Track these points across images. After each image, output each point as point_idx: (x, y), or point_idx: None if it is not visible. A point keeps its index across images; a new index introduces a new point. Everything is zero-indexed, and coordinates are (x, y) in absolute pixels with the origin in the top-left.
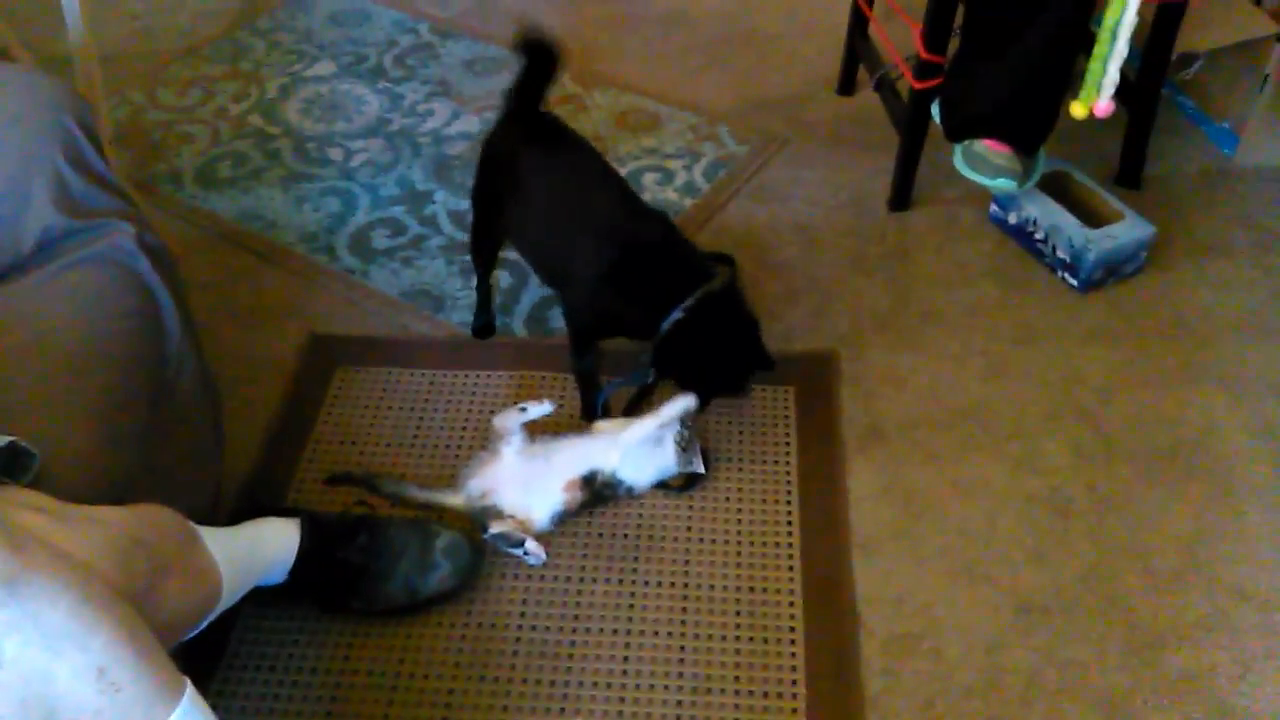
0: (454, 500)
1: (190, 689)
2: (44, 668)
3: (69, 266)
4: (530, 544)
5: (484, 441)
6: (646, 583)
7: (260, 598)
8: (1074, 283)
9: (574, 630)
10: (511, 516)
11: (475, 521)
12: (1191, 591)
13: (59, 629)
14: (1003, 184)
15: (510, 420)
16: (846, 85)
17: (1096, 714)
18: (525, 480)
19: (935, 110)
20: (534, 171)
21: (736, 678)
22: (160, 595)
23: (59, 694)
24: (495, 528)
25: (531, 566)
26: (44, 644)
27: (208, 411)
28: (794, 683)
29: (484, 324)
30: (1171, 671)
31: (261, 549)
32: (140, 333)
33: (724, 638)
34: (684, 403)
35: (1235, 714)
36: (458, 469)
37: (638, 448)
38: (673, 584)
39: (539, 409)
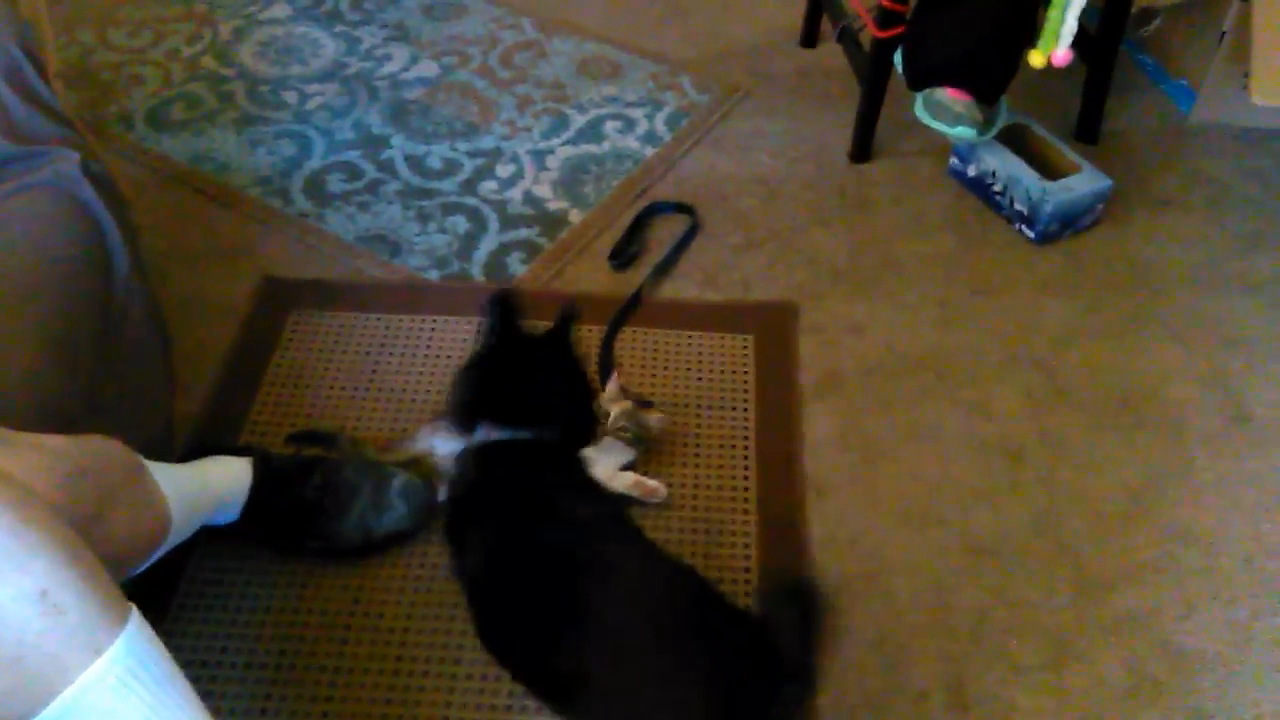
0: (415, 450)
1: (136, 615)
2: None
3: (11, 193)
4: None
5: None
6: None
7: (212, 537)
8: (1031, 234)
9: None
10: None
11: (434, 471)
12: (1138, 535)
13: None
14: (962, 132)
15: None
16: (809, 37)
17: (1044, 651)
18: None
19: (898, 60)
20: None
21: None
22: (107, 525)
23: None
24: (444, 492)
25: None
26: None
27: (158, 347)
28: None
29: None
30: (1118, 611)
31: (212, 485)
32: (86, 260)
33: None
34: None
35: (1179, 652)
36: (413, 414)
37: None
38: None
39: None
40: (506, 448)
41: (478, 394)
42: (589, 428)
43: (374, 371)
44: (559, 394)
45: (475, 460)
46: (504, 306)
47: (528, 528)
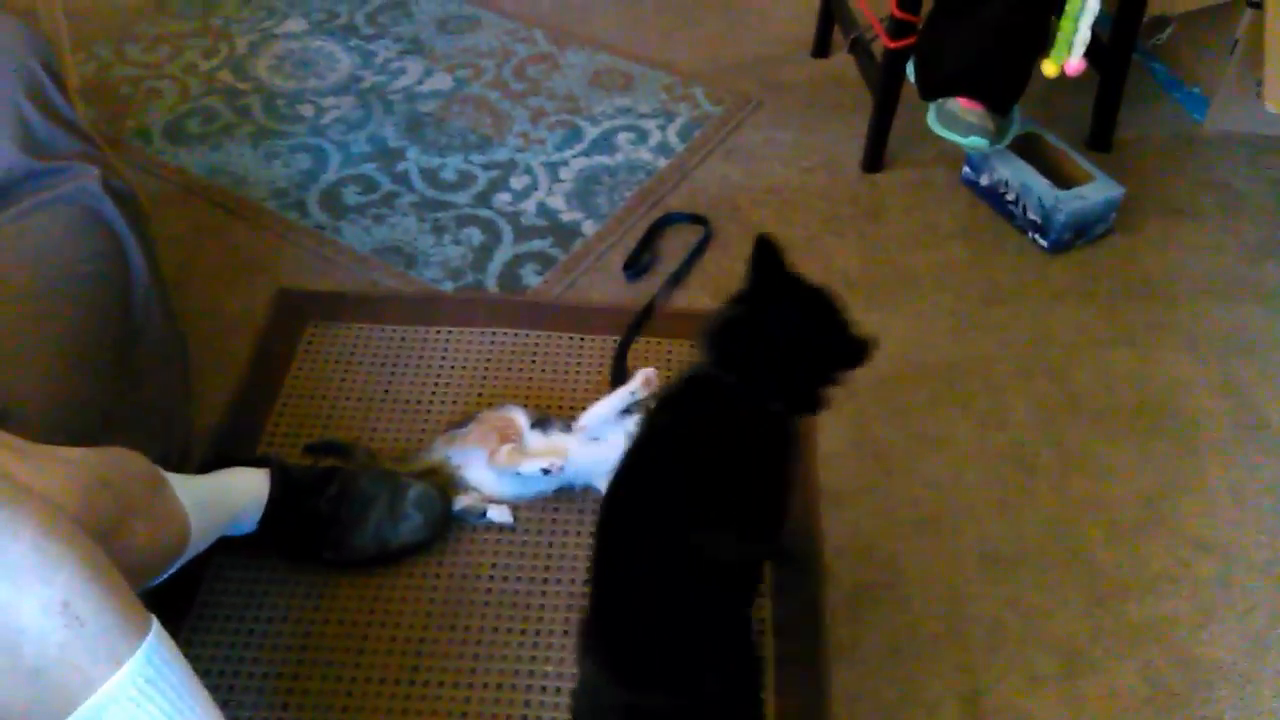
0: (431, 460)
1: (156, 626)
2: (7, 601)
3: (33, 209)
4: (491, 510)
5: (478, 404)
6: None
7: (230, 547)
8: (1043, 243)
9: (544, 581)
10: (476, 490)
11: (449, 480)
12: (1153, 544)
13: (22, 562)
14: (975, 142)
15: (522, 419)
16: (821, 47)
17: (1059, 661)
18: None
19: (910, 70)
20: None
21: None
22: (126, 537)
23: (23, 628)
24: (460, 502)
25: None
26: (6, 577)
27: (176, 360)
28: (761, 632)
29: None
30: (1133, 621)
31: (230, 496)
32: (106, 276)
33: None
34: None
35: (1195, 662)
36: (429, 425)
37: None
38: None
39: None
40: (701, 381)
41: (706, 329)
42: (802, 383)
43: (390, 382)
44: (761, 347)
45: (677, 383)
46: (766, 253)
47: (653, 445)
